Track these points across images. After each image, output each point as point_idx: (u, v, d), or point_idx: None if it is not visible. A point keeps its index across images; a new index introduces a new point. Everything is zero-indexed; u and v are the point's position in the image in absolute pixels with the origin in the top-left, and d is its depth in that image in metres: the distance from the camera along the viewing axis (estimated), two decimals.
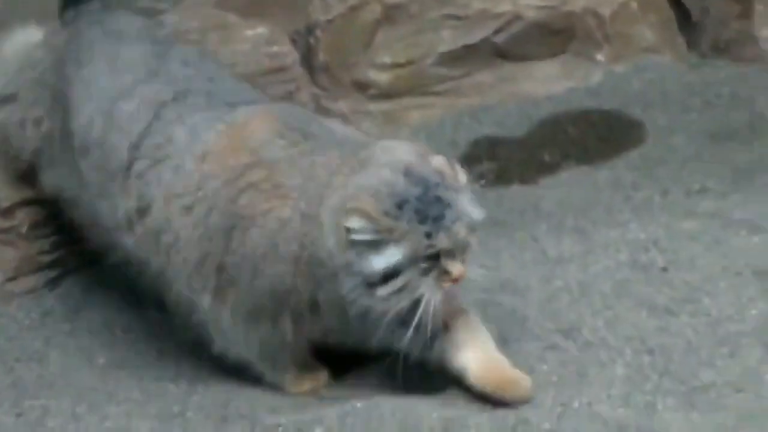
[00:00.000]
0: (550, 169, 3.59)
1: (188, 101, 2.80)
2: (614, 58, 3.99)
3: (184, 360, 2.87)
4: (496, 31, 3.89)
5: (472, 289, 2.68)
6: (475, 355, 2.44)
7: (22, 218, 3.09)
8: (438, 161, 2.54)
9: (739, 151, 3.51)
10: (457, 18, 3.86)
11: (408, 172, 2.45)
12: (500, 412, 2.36)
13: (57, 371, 2.87)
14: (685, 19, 4.11)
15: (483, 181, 2.97)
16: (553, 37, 3.94)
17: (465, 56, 3.87)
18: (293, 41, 3.76)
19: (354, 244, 2.37)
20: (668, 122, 3.75)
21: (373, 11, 3.84)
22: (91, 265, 3.16)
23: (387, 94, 3.81)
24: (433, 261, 2.41)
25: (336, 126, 2.79)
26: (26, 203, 3.12)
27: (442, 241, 2.39)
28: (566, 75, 3.98)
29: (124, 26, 3.07)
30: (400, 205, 2.37)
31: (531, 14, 3.88)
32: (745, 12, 3.91)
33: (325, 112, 3.73)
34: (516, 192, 3.48)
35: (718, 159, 3.46)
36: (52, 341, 2.94)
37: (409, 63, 3.87)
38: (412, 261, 2.38)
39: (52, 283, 3.13)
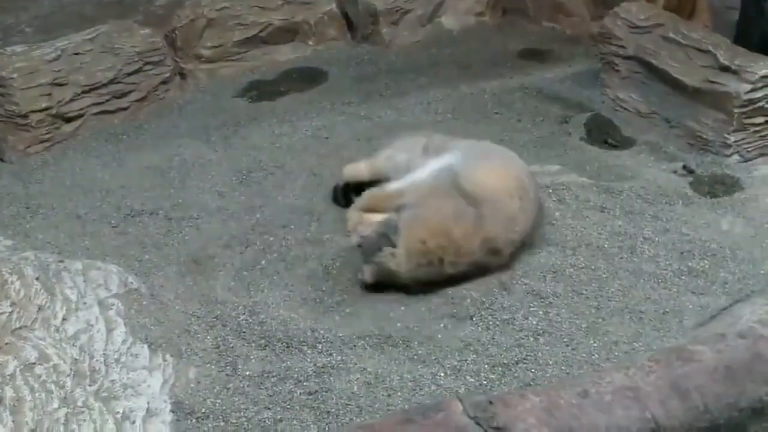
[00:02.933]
0: (283, 94, 5.51)
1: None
2: (316, 43, 5.97)
3: None
4: (261, 31, 5.78)
5: None
6: None
7: None
8: None
9: (367, 85, 5.55)
10: (243, 25, 5.73)
11: None
12: None
13: None
14: (349, 25, 6.07)
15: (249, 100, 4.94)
16: (287, 33, 5.85)
17: (246, 43, 5.76)
18: (165, 36, 5.51)
19: None
20: (339, 73, 5.73)
21: (202, 22, 5.62)
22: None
23: (209, 60, 5.69)
24: None
25: None
26: None
27: None
28: (293, 51, 5.91)
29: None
30: None
31: (277, 23, 5.82)
32: (375, 21, 5.93)
33: (181, 69, 5.54)
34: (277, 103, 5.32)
35: (358, 89, 5.48)
36: None
37: (219, 46, 5.71)
38: None
39: None
